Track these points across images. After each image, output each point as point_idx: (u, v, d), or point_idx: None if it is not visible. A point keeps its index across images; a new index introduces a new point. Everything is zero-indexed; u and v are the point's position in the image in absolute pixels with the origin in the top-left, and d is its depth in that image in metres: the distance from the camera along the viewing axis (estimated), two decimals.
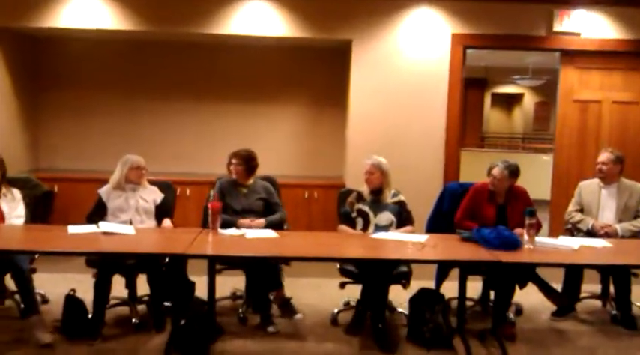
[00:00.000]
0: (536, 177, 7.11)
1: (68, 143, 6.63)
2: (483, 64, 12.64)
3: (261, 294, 4.07)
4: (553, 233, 5.88)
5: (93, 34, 6.06)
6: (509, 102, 15.52)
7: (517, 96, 15.16)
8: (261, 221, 4.23)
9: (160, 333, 3.84)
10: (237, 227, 4.08)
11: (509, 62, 11.87)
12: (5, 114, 6.00)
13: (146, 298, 4.18)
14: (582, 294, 4.58)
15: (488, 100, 15.12)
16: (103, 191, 4.24)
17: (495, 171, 4.23)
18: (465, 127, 12.35)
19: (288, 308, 4.23)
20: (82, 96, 6.59)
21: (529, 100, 15.05)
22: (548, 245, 3.82)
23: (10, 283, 3.98)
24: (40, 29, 5.92)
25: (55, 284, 4.53)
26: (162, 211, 4.29)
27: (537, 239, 3.80)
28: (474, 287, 4.32)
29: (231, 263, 4.11)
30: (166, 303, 3.93)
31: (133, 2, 5.76)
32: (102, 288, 3.80)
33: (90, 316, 3.81)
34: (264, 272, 4.02)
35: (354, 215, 4.27)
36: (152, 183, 4.38)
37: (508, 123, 15.60)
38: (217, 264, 3.96)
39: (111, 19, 5.76)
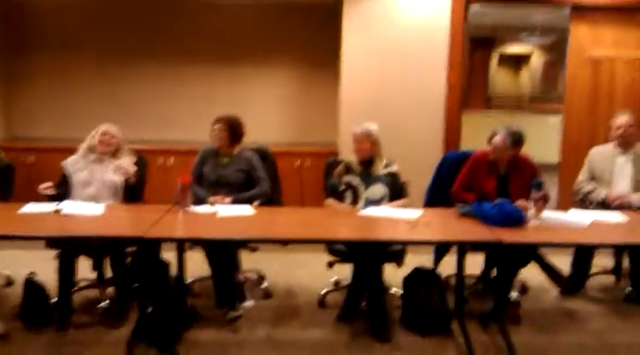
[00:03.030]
0: (544, 139, 6.74)
1: (45, 109, 6.22)
2: (490, 21, 12.11)
3: (225, 275, 3.68)
4: (563, 202, 5.51)
5: None
6: (516, 62, 14.99)
7: (525, 56, 14.63)
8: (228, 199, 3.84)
9: (125, 322, 3.51)
10: (210, 204, 3.71)
11: (517, 20, 11.37)
12: None
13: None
14: (593, 269, 4.21)
15: (495, 61, 14.60)
16: (68, 162, 3.87)
17: (497, 140, 3.80)
18: (471, 89, 11.92)
19: (240, 292, 3.80)
20: (58, 58, 6.16)
21: (537, 60, 14.52)
22: (557, 220, 3.42)
23: None
24: None
25: (21, 263, 4.21)
26: (133, 186, 3.89)
27: (545, 214, 3.41)
28: (476, 261, 3.96)
29: (197, 243, 3.72)
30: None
31: None
32: (66, 273, 3.46)
33: (52, 301, 3.48)
34: (224, 253, 3.64)
35: (342, 188, 3.89)
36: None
37: (515, 84, 15.11)
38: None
39: None
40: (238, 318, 3.55)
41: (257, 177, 4.03)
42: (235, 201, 3.79)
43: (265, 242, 3.60)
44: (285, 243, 3.70)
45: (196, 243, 3.68)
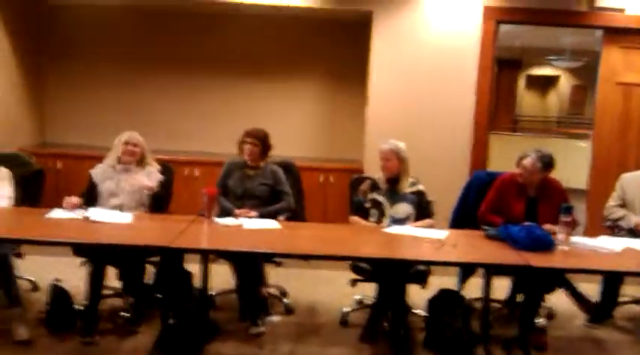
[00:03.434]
0: (571, 164, 6.64)
1: (75, 116, 6.32)
2: (518, 43, 12.04)
3: (251, 289, 3.66)
4: (591, 228, 5.41)
5: (101, 1, 5.69)
6: (544, 84, 14.88)
7: (553, 78, 14.52)
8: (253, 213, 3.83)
9: (141, 330, 3.52)
10: (235, 216, 3.71)
11: (545, 42, 11.26)
12: (8, 84, 5.68)
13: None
14: (621, 298, 4.11)
15: (522, 82, 14.50)
16: (95, 171, 3.90)
17: (527, 162, 3.75)
18: (498, 110, 11.84)
19: (265, 307, 3.77)
20: (90, 66, 6.26)
21: (565, 83, 14.41)
22: (586, 246, 3.36)
23: None
24: None
25: (47, 270, 4.23)
26: (160, 195, 3.91)
27: (573, 239, 3.35)
28: (502, 285, 3.90)
29: (222, 255, 3.72)
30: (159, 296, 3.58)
31: None
32: (96, 281, 3.47)
33: (77, 308, 3.50)
34: (251, 266, 3.63)
35: (367, 205, 3.86)
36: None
37: (542, 107, 14.98)
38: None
39: None
40: (262, 334, 3.54)
41: (282, 191, 4.03)
42: (261, 215, 3.79)
43: (290, 257, 3.56)
44: (305, 258, 3.68)
45: (222, 255, 3.68)
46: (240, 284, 3.66)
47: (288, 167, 4.21)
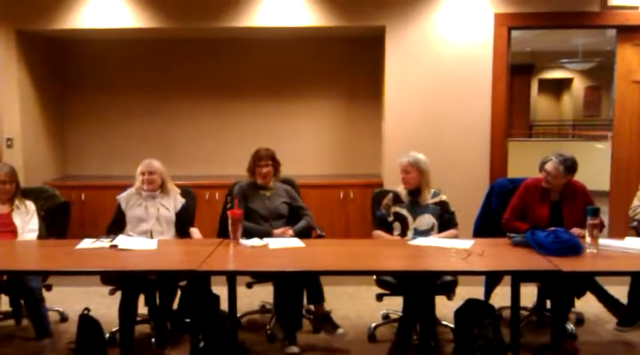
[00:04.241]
0: (591, 166, 6.58)
1: (96, 148, 6.41)
2: (529, 48, 12.03)
3: (291, 308, 3.69)
4: (614, 229, 5.35)
5: (114, 33, 5.80)
6: (557, 88, 14.82)
7: (565, 81, 14.46)
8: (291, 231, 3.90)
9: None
10: (271, 236, 3.76)
11: (556, 45, 11.24)
12: (29, 120, 5.77)
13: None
14: None
15: (535, 87, 14.44)
16: (122, 197, 3.95)
17: (549, 167, 3.74)
18: (512, 116, 11.79)
19: (328, 322, 3.76)
20: (108, 98, 6.36)
21: (578, 85, 14.33)
22: (615, 248, 3.32)
23: None
24: (60, 31, 5.68)
25: (75, 300, 4.28)
26: (183, 219, 3.97)
27: (601, 241, 3.31)
28: (529, 292, 3.86)
29: (258, 276, 3.76)
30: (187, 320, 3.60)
31: None
32: (128, 311, 3.49)
33: (107, 336, 3.53)
34: (296, 285, 3.64)
35: (390, 219, 3.86)
36: None
37: (557, 110, 14.90)
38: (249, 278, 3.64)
39: (131, 18, 5.48)
40: (297, 354, 3.54)
41: (301, 207, 4.10)
42: (297, 234, 3.84)
43: (319, 274, 3.57)
44: (332, 274, 3.67)
45: (259, 276, 3.71)
46: (280, 304, 3.72)
47: (290, 184, 4.27)
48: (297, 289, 3.68)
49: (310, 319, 3.89)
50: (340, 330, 3.71)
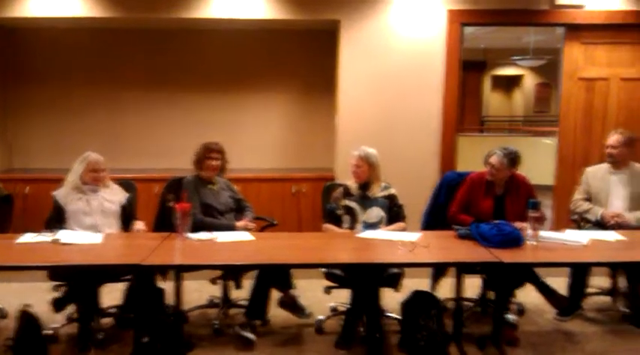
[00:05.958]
0: (538, 161, 6.76)
1: (42, 140, 6.23)
2: (482, 45, 12.24)
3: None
4: (558, 222, 5.51)
5: (63, 22, 5.66)
6: (509, 84, 15.13)
7: (517, 78, 14.77)
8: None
9: (114, 350, 3.48)
10: (235, 230, 3.78)
11: (508, 42, 11.47)
12: None
13: (113, 310, 3.80)
14: (589, 289, 4.19)
15: (487, 83, 14.72)
16: (59, 194, 3.83)
17: (493, 160, 3.83)
18: (465, 112, 12.01)
19: (297, 307, 3.78)
20: (55, 89, 6.19)
21: (529, 82, 14.66)
22: (555, 240, 3.42)
23: None
24: (6, 19, 5.51)
25: (16, 296, 4.15)
26: (128, 212, 3.91)
27: (542, 233, 3.41)
28: (474, 284, 3.95)
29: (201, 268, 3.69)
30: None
31: None
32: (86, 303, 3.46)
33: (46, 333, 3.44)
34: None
35: (340, 212, 3.89)
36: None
37: (508, 106, 15.22)
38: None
39: (81, 6, 5.35)
40: (252, 342, 3.58)
41: (242, 200, 4.18)
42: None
43: (267, 267, 3.56)
44: (281, 267, 3.68)
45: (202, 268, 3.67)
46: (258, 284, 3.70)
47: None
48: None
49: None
50: (308, 312, 3.77)
